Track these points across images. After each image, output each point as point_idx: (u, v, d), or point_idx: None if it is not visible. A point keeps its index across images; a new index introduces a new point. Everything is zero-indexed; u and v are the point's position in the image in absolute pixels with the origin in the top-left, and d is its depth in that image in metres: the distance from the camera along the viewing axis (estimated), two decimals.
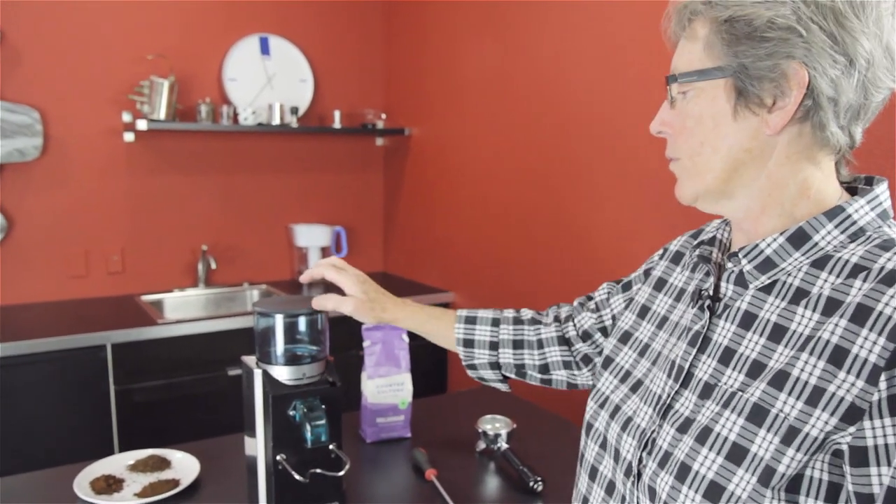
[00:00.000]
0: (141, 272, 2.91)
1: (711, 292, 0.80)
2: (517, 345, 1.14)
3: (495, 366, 1.16)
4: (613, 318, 1.04)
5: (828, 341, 0.64)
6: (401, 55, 3.23)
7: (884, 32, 0.68)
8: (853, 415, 0.61)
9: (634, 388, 0.86)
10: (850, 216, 0.71)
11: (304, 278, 1.19)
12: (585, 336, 1.09)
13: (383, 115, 3.25)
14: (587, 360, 1.10)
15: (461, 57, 2.78)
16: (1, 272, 2.65)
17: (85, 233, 2.79)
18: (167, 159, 2.92)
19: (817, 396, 0.63)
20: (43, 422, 2.26)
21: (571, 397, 2.24)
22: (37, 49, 2.62)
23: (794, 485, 0.64)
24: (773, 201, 0.74)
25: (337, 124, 3.12)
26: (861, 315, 0.63)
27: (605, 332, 1.06)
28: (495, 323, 1.16)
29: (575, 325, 1.11)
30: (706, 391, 0.74)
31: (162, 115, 2.70)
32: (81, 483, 1.30)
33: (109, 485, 1.29)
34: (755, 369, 0.70)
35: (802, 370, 0.65)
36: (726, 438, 0.69)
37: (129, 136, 2.78)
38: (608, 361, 0.94)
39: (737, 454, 0.67)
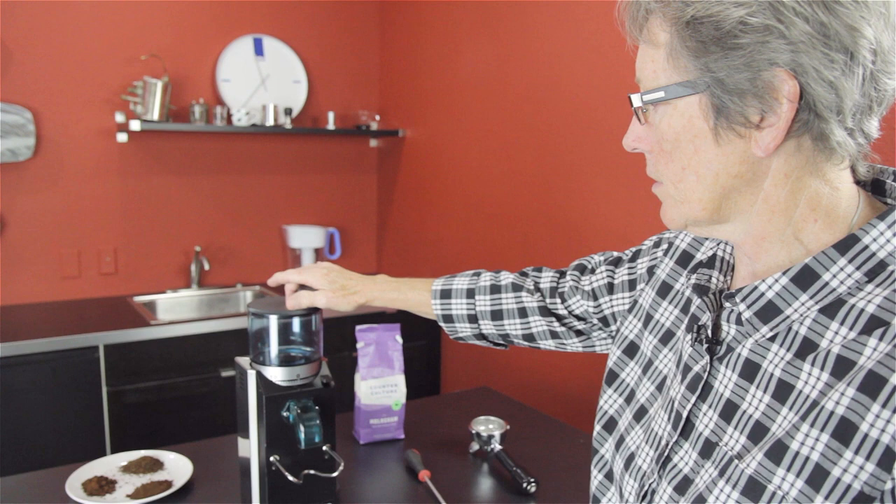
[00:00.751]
0: (134, 273, 2.91)
1: (710, 332, 0.69)
2: (496, 315, 1.09)
3: (480, 336, 1.12)
4: (614, 314, 0.95)
5: (832, 412, 0.54)
6: (395, 57, 3.23)
7: (890, 9, 0.56)
8: (861, 502, 0.52)
9: (638, 417, 0.78)
10: (866, 247, 0.58)
11: (271, 282, 1.21)
12: (580, 318, 1.02)
13: (377, 117, 3.25)
14: (580, 333, 1.03)
15: (455, 59, 2.78)
16: None
17: (77, 233, 2.78)
18: (160, 160, 2.92)
19: (820, 478, 0.54)
20: (34, 423, 2.25)
21: (565, 399, 2.25)
22: (30, 49, 2.61)
23: None
24: (774, 227, 0.62)
25: (331, 125, 3.12)
26: (872, 386, 0.53)
27: (605, 321, 0.97)
28: (470, 294, 1.11)
29: (566, 304, 1.03)
30: (707, 449, 0.65)
31: (155, 115, 2.69)
32: (73, 484, 1.29)
33: (102, 486, 1.29)
34: (757, 433, 0.60)
35: (803, 444, 0.56)
36: None
37: (122, 137, 2.77)
38: (612, 376, 0.86)
39: None
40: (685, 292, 0.79)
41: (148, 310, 2.70)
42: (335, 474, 1.18)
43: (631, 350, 0.85)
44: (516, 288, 1.08)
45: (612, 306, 0.95)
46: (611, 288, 0.95)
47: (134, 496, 1.27)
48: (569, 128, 2.25)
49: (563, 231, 2.31)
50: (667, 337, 0.79)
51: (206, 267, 2.98)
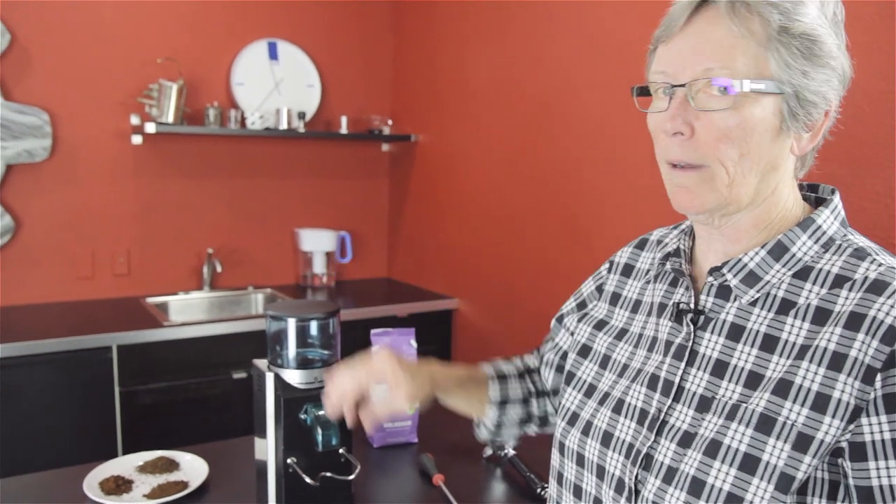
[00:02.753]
0: (146, 274, 2.92)
1: (693, 306, 0.80)
2: (543, 421, 1.09)
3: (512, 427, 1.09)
4: (565, 353, 1.01)
5: (825, 349, 0.67)
6: (408, 62, 3.25)
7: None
8: (855, 414, 0.64)
9: (602, 401, 0.85)
10: (820, 227, 0.75)
11: (334, 399, 0.97)
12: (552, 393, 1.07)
13: (390, 122, 3.26)
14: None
15: (468, 64, 2.79)
16: (8, 272, 2.66)
17: (91, 234, 2.80)
18: (174, 162, 2.93)
19: (824, 403, 0.65)
20: (47, 422, 2.26)
21: None
22: (47, 51, 2.63)
23: (802, 487, 0.67)
24: (767, 215, 0.77)
25: (343, 130, 3.13)
26: (855, 322, 0.66)
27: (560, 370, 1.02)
28: (525, 402, 1.07)
29: (541, 381, 1.09)
30: (703, 404, 0.74)
31: (170, 118, 2.71)
32: (91, 483, 1.30)
33: (119, 486, 1.30)
34: (753, 380, 0.71)
35: (805, 378, 0.67)
36: (737, 450, 0.69)
37: (137, 139, 2.80)
38: (570, 377, 0.93)
39: (750, 464, 0.68)
40: (633, 296, 0.91)
41: (160, 311, 2.71)
42: (351, 477, 1.19)
43: (584, 351, 0.93)
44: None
45: (556, 348, 1.03)
46: (565, 357, 1.00)
47: (150, 496, 1.28)
48: (581, 133, 2.26)
49: (574, 236, 2.31)
50: (621, 334, 0.89)
51: (219, 269, 2.99)
